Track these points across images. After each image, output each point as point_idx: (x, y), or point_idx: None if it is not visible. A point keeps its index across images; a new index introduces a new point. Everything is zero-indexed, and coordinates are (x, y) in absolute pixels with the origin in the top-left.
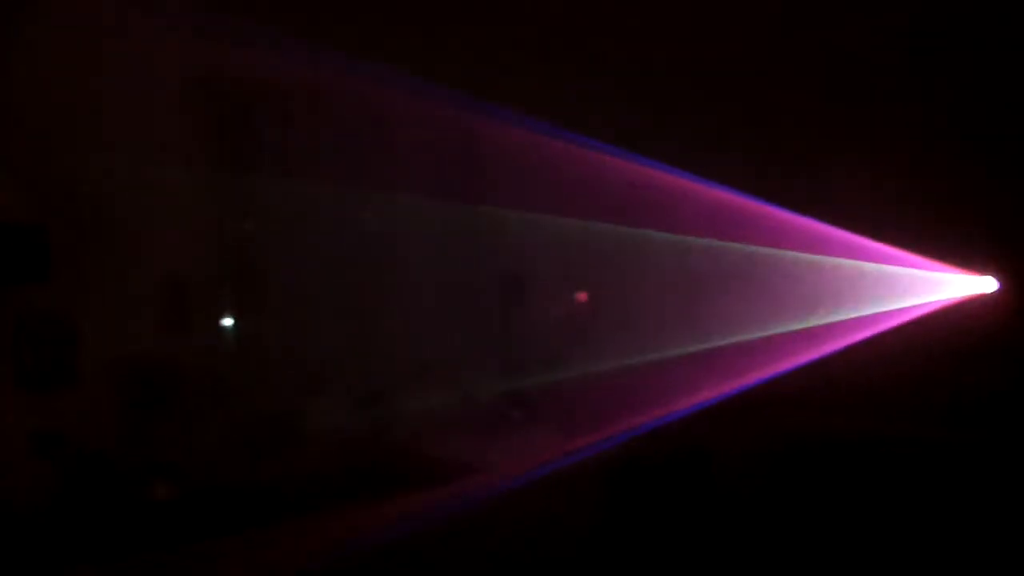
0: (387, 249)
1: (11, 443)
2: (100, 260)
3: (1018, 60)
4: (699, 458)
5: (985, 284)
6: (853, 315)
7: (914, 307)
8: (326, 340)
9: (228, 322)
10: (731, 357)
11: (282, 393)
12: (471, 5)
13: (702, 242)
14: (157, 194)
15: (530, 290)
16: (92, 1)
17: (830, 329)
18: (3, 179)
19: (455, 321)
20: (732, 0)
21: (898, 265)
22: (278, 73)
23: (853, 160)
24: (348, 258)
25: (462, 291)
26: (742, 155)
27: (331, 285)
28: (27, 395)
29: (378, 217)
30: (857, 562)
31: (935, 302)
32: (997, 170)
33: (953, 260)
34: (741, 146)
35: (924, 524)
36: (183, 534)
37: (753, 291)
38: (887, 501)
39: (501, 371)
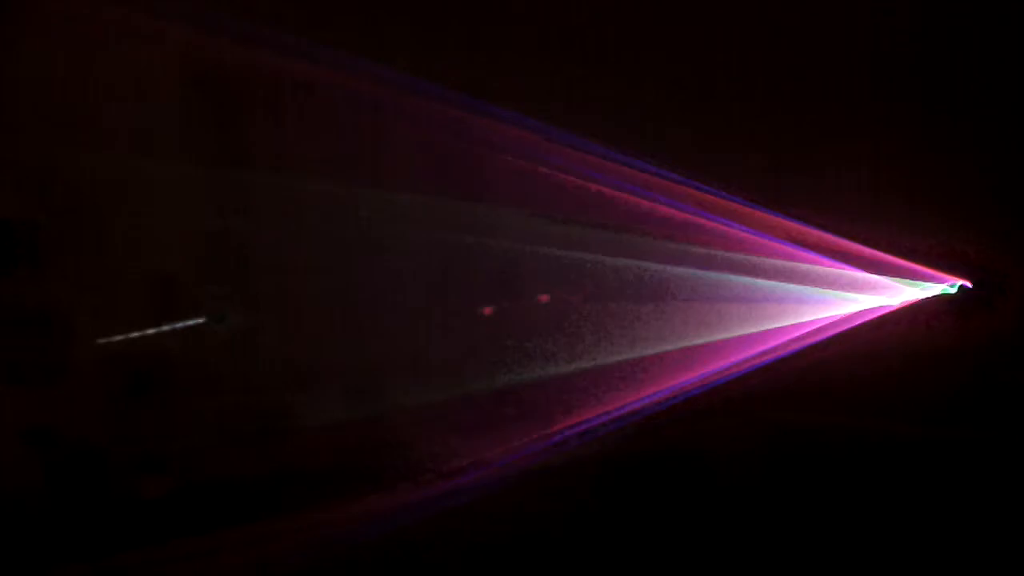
0: (378, 244)
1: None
2: (89, 253)
3: (976, 61)
4: (686, 454)
5: (951, 286)
6: (825, 316)
7: (881, 308)
8: (317, 335)
9: (219, 316)
10: (716, 353)
11: (272, 387)
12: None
13: (694, 246)
14: (147, 187)
15: (521, 287)
16: None
17: (808, 328)
18: None
19: (445, 316)
20: None
21: (867, 266)
22: (267, 67)
23: (824, 159)
24: (339, 253)
25: (453, 286)
26: (749, 158)
27: (322, 280)
28: (16, 389)
29: (369, 212)
30: (832, 557)
31: (902, 303)
32: (962, 170)
33: (921, 261)
34: (751, 150)
35: (895, 519)
36: (173, 529)
37: (735, 291)
38: (867, 499)
39: (490, 367)
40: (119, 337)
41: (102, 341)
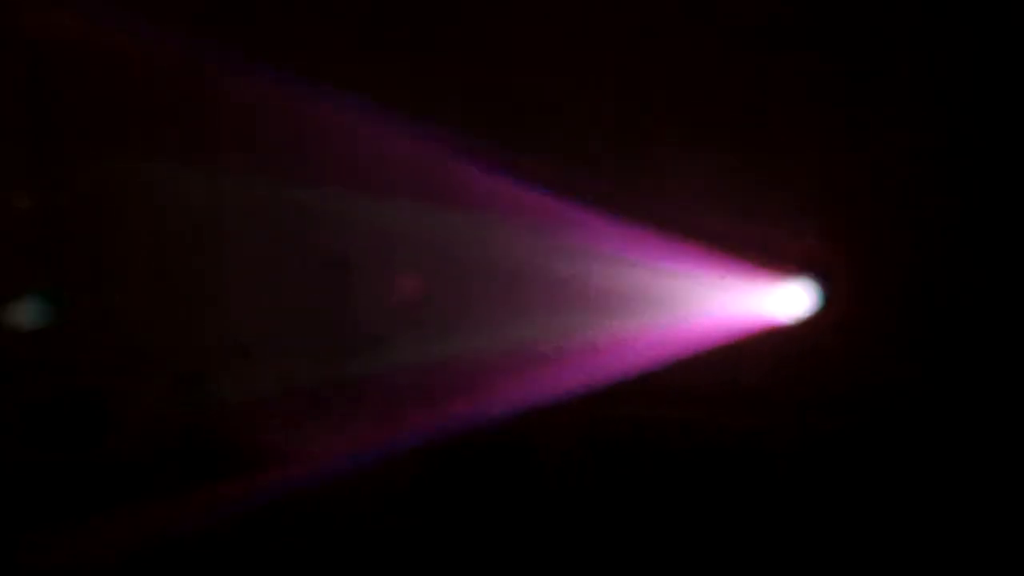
0: (211, 226)
1: None
2: None
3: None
4: (522, 450)
5: (811, 290)
6: (683, 317)
7: (742, 310)
8: (143, 318)
9: (36, 298)
10: (563, 351)
11: (94, 373)
12: None
13: (539, 237)
14: None
15: (358, 275)
16: None
17: (660, 329)
18: None
19: (280, 303)
20: None
21: (729, 270)
22: (96, 37)
23: (688, 168)
24: (169, 234)
25: (288, 272)
26: (599, 159)
27: (151, 262)
28: None
29: (201, 192)
30: (680, 551)
31: (763, 305)
32: (828, 177)
33: (782, 266)
34: (591, 149)
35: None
36: None
37: (587, 291)
38: (712, 492)
39: (325, 356)
40: None
41: None
